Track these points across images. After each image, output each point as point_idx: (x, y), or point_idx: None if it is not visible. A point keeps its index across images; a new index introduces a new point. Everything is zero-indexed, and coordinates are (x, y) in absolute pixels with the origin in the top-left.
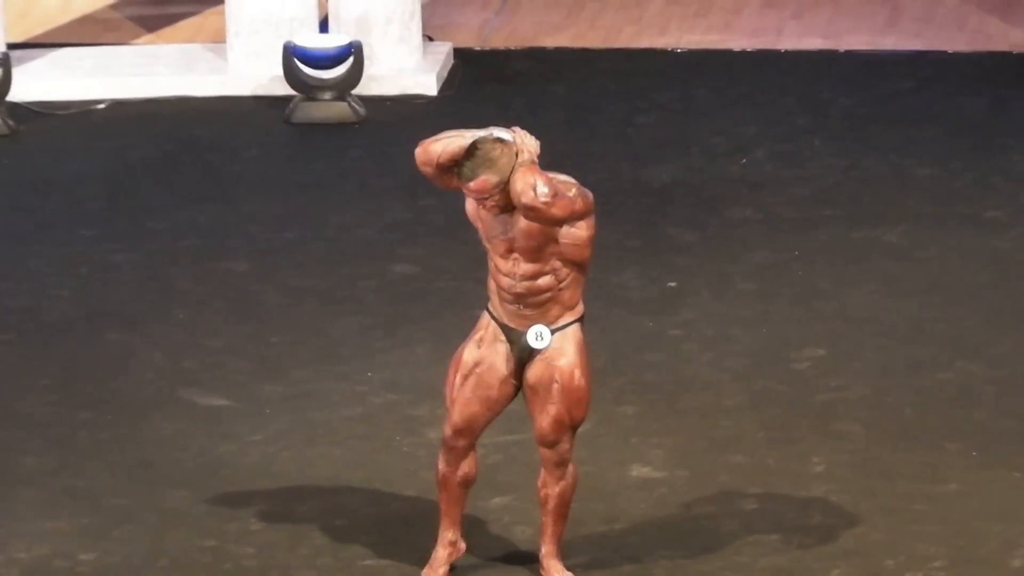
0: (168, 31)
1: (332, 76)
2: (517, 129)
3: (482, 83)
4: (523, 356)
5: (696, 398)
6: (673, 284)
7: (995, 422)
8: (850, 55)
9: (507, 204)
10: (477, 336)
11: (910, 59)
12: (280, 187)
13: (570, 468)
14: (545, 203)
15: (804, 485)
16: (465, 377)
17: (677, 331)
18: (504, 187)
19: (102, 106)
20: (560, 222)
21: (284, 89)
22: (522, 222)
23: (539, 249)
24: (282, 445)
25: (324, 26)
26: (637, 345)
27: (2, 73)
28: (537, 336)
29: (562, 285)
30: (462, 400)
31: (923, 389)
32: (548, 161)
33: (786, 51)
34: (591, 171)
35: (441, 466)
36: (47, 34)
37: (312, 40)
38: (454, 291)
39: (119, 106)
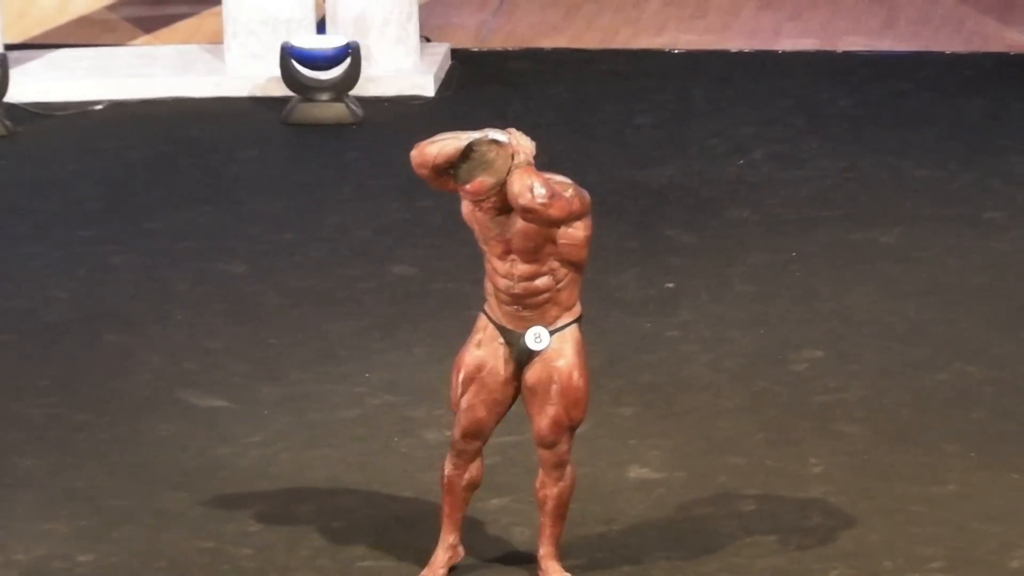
0: (165, 32)
1: (330, 77)
2: (512, 130)
3: (480, 84)
4: (522, 358)
5: (694, 399)
6: (671, 285)
7: (993, 423)
8: (847, 56)
9: (503, 206)
10: (476, 339)
11: (907, 60)
12: (278, 188)
13: (568, 469)
14: (543, 204)
15: (802, 486)
16: (468, 383)
17: (675, 332)
18: (500, 189)
19: (100, 107)
20: (558, 223)
21: (281, 90)
22: (519, 223)
23: (536, 250)
24: (280, 446)
25: (321, 27)
26: (635, 346)
27: (0, 74)
28: (536, 338)
29: (560, 286)
30: (467, 406)
31: (921, 390)
32: (546, 162)
33: (783, 52)
34: (589, 172)
35: (448, 469)
36: (45, 35)
37: (309, 41)
38: (452, 292)
39: (117, 107)
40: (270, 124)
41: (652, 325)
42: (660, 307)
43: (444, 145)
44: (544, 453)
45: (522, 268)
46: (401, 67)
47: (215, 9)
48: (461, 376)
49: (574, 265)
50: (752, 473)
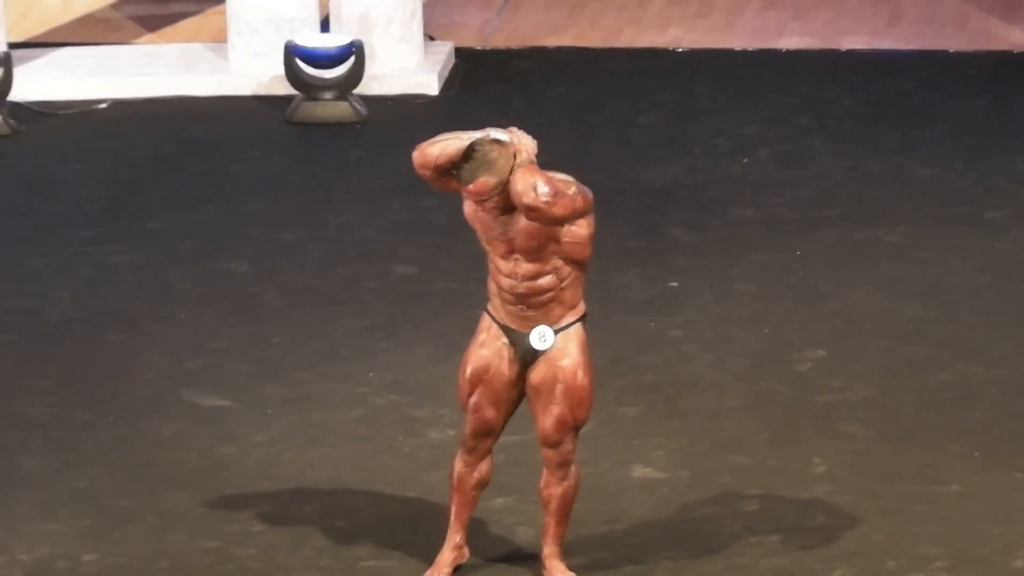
0: (169, 31)
1: (333, 76)
2: (514, 129)
3: (483, 83)
4: (526, 358)
5: (697, 399)
6: (674, 285)
7: (996, 423)
8: (851, 55)
9: (506, 205)
10: (480, 339)
11: (911, 59)
12: (281, 187)
13: (572, 469)
14: (546, 203)
15: (805, 486)
16: (475, 384)
17: (678, 332)
18: (503, 188)
19: (103, 106)
20: (562, 221)
21: (285, 89)
22: (522, 222)
23: (540, 249)
24: (283, 446)
25: (325, 25)
26: (638, 346)
27: (3, 73)
28: (540, 337)
29: (563, 284)
30: (475, 407)
31: (924, 390)
32: (549, 161)
33: (787, 51)
34: (592, 171)
35: (458, 467)
36: (48, 34)
37: (313, 40)
38: (455, 292)
39: (120, 106)
40: (274, 123)
41: (655, 325)
42: (663, 307)
43: (446, 145)
44: (548, 452)
45: (526, 267)
46: (405, 66)
47: (219, 8)
48: (468, 376)
49: (578, 263)
50: (755, 473)
